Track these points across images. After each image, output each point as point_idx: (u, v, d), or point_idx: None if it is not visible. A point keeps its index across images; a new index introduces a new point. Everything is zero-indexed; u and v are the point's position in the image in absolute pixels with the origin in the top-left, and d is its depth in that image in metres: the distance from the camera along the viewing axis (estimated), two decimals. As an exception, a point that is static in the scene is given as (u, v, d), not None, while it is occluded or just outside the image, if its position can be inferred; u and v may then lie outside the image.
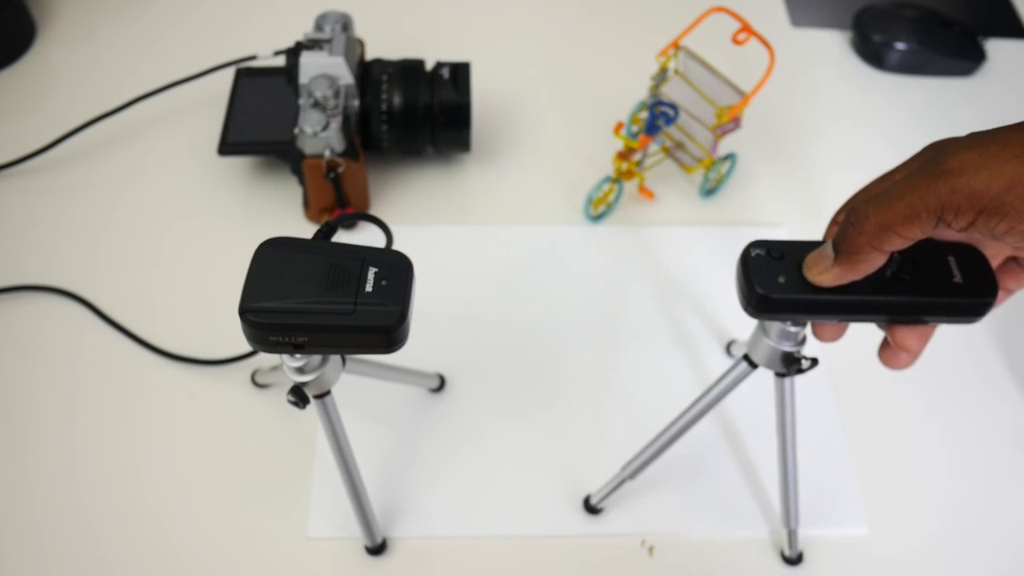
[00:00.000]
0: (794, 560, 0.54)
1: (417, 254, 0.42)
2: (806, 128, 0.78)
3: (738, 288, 0.39)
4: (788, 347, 0.44)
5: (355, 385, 0.57)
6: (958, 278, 0.37)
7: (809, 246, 0.39)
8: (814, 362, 0.45)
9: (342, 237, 0.67)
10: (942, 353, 0.64)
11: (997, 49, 0.85)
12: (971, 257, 0.38)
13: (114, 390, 0.59)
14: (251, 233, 0.49)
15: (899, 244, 0.34)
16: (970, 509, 0.57)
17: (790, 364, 0.45)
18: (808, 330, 0.44)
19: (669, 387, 0.61)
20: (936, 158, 0.32)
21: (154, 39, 0.81)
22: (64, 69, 0.78)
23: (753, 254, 0.39)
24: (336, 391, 0.46)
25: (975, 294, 0.37)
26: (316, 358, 0.44)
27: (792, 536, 0.53)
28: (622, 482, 0.54)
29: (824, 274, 0.36)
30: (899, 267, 0.37)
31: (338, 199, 0.65)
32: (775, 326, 0.44)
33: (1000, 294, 0.37)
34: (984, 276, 0.38)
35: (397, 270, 0.39)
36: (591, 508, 0.55)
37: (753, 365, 0.47)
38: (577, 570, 0.53)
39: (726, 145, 0.72)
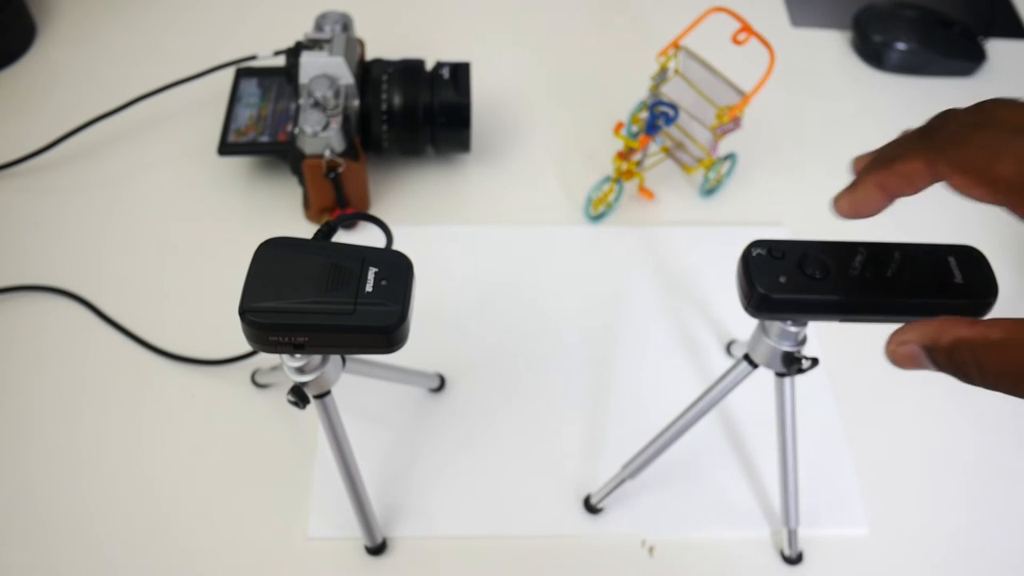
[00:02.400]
0: (794, 560, 0.54)
1: (417, 254, 0.42)
2: (806, 128, 0.78)
3: (739, 287, 0.39)
4: (788, 347, 0.44)
5: (355, 385, 0.57)
6: (958, 278, 0.37)
7: (810, 246, 0.39)
8: (814, 362, 0.45)
9: (342, 237, 0.67)
10: (942, 353, 0.64)
11: (997, 49, 0.85)
12: (971, 257, 0.38)
13: (114, 390, 0.59)
14: (251, 233, 0.49)
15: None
16: (970, 509, 0.57)
17: (790, 364, 0.45)
18: (808, 330, 0.44)
19: (669, 387, 0.61)
20: None
21: (154, 39, 0.81)
22: (64, 69, 0.78)
23: (754, 254, 0.39)
24: (336, 391, 0.46)
25: (975, 294, 0.37)
26: (316, 358, 0.44)
27: (792, 536, 0.53)
28: (622, 481, 0.54)
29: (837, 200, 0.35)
30: (899, 267, 0.37)
31: (338, 199, 0.65)
32: (775, 326, 0.44)
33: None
34: (984, 276, 0.38)
35: (397, 270, 0.39)
36: (591, 508, 0.55)
37: (753, 365, 0.47)
38: (577, 570, 0.53)
39: (726, 145, 0.72)
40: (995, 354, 0.29)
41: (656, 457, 0.52)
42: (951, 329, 0.31)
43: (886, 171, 0.32)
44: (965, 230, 0.69)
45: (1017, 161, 0.29)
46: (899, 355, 0.32)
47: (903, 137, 0.32)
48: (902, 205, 0.34)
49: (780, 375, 0.49)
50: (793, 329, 0.43)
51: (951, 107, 0.32)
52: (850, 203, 0.34)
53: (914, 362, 0.32)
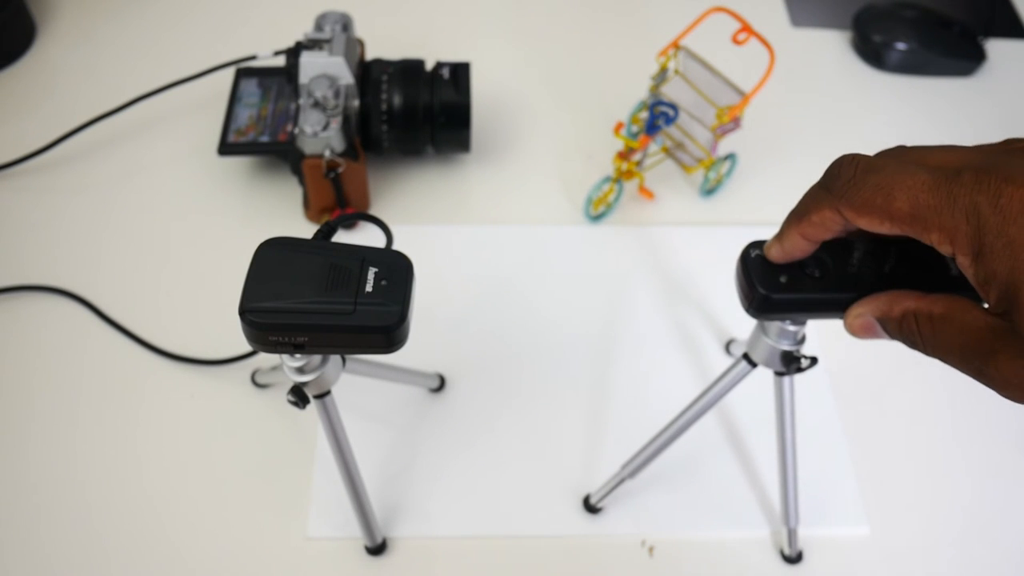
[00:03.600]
0: (794, 559, 0.54)
1: (417, 254, 0.42)
2: (806, 128, 0.78)
3: (739, 288, 0.39)
4: (787, 346, 0.44)
5: (355, 385, 0.57)
6: (954, 271, 0.37)
7: None
8: (813, 361, 0.45)
9: (342, 237, 0.67)
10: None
11: (997, 49, 0.85)
12: None
13: (114, 390, 0.59)
14: (251, 233, 0.49)
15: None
16: (970, 509, 0.57)
17: (789, 363, 0.45)
18: (808, 329, 0.44)
19: (669, 386, 0.61)
20: None
21: (154, 39, 0.81)
22: (64, 69, 0.78)
23: (753, 254, 0.38)
24: (336, 391, 0.46)
25: (971, 288, 0.37)
26: (316, 358, 0.44)
27: (792, 535, 0.53)
28: (622, 481, 0.54)
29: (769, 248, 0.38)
30: (896, 262, 0.37)
31: (338, 199, 0.65)
32: (775, 325, 0.44)
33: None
34: None
35: (397, 270, 0.39)
36: (591, 507, 0.55)
37: (752, 364, 0.47)
38: (577, 570, 0.53)
39: (726, 145, 0.72)
40: (935, 327, 0.32)
41: (656, 456, 0.53)
42: (901, 301, 0.34)
43: (804, 222, 0.35)
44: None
45: (909, 195, 0.31)
46: (856, 326, 0.36)
47: (811, 190, 0.36)
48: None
49: (779, 374, 0.49)
50: (792, 328, 0.43)
51: (842, 154, 0.34)
52: (781, 251, 0.37)
53: (869, 332, 0.35)
